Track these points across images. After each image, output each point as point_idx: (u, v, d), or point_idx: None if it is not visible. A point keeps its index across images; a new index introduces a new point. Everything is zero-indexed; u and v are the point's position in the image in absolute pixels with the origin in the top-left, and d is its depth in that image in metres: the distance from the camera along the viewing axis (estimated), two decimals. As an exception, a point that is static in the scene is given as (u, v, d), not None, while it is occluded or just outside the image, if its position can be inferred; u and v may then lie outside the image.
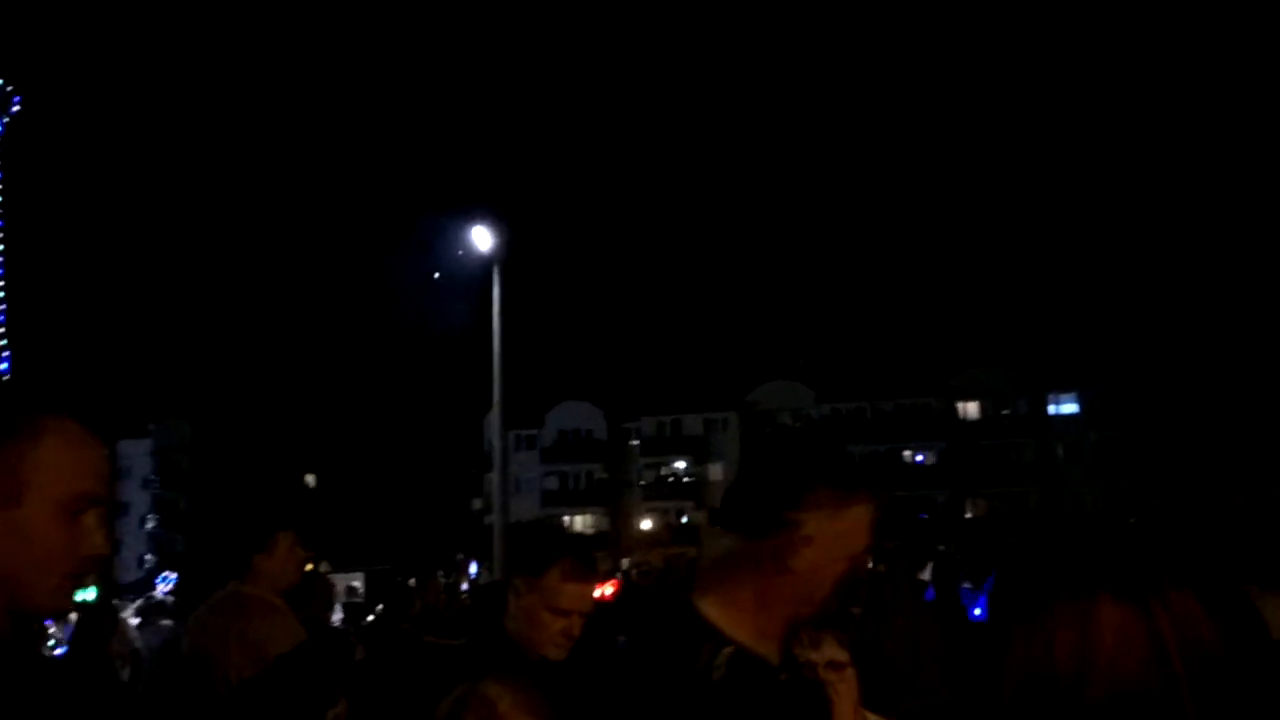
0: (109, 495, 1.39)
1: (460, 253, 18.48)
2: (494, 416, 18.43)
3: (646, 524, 57.04)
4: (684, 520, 57.80)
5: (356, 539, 49.00)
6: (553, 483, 59.78)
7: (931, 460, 56.00)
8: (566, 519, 57.04)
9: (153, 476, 63.95)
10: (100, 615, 7.19)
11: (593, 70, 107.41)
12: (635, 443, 59.68)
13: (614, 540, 54.88)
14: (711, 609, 1.87)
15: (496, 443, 18.89)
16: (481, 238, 18.20)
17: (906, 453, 56.30)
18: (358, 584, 18.02)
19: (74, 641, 5.61)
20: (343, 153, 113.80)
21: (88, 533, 1.33)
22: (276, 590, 3.96)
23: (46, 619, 1.37)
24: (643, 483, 59.29)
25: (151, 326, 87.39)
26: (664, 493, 58.86)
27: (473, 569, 23.48)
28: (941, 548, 13.67)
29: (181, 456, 63.90)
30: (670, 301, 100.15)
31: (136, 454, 63.54)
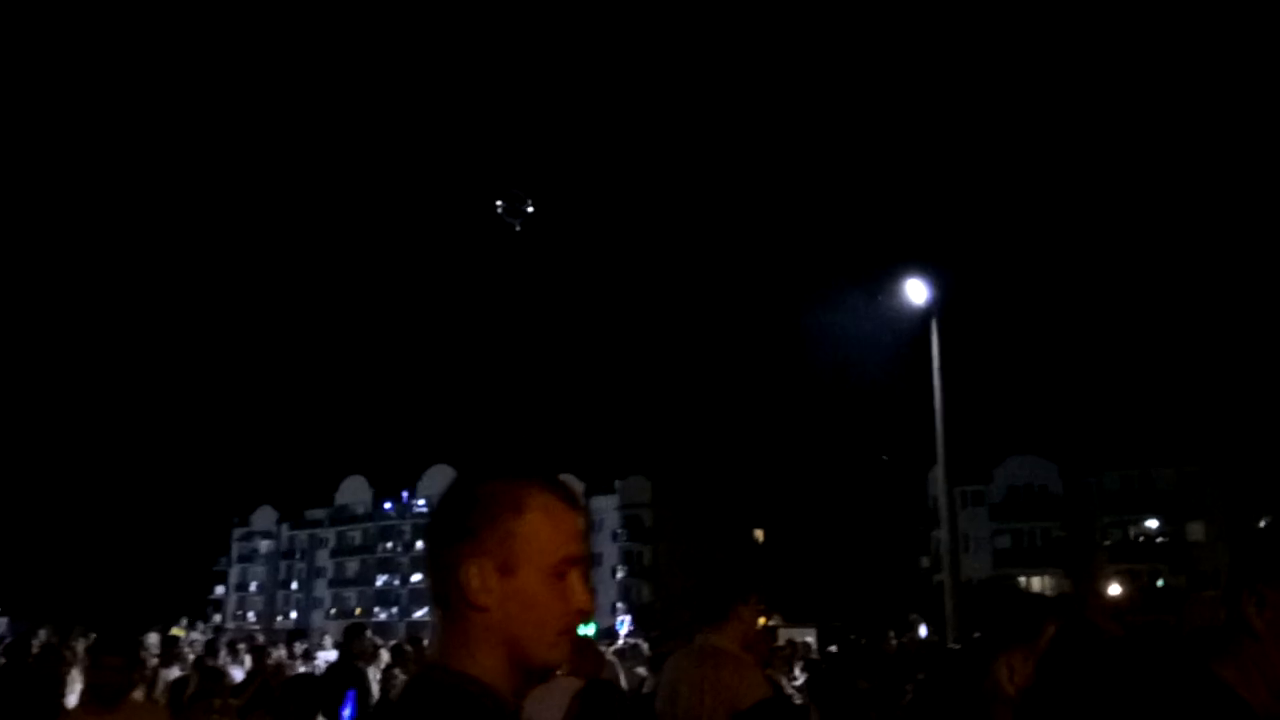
0: (587, 553, 1.56)
1: (895, 307, 18.40)
2: (938, 472, 17.94)
3: (1114, 588, 52.19)
4: (1159, 584, 52.19)
5: (807, 593, 49.69)
6: (1004, 541, 56.72)
7: None
8: (1022, 580, 53.76)
9: (620, 530, 69.22)
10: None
11: (1024, 116, 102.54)
12: (1096, 499, 55.06)
13: (1077, 605, 50.72)
14: (1229, 673, 1.81)
15: (942, 499, 18.31)
16: (916, 290, 18.00)
17: None
18: (810, 640, 18.20)
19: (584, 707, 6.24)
20: (778, 214, 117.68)
21: (573, 591, 1.50)
22: (743, 644, 4.19)
23: (547, 672, 1.55)
24: (1107, 542, 54.40)
25: (616, 391, 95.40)
26: (1133, 554, 53.59)
27: (922, 631, 22.76)
28: None
29: (644, 511, 68.63)
30: (1132, 342, 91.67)
31: (606, 509, 69.40)
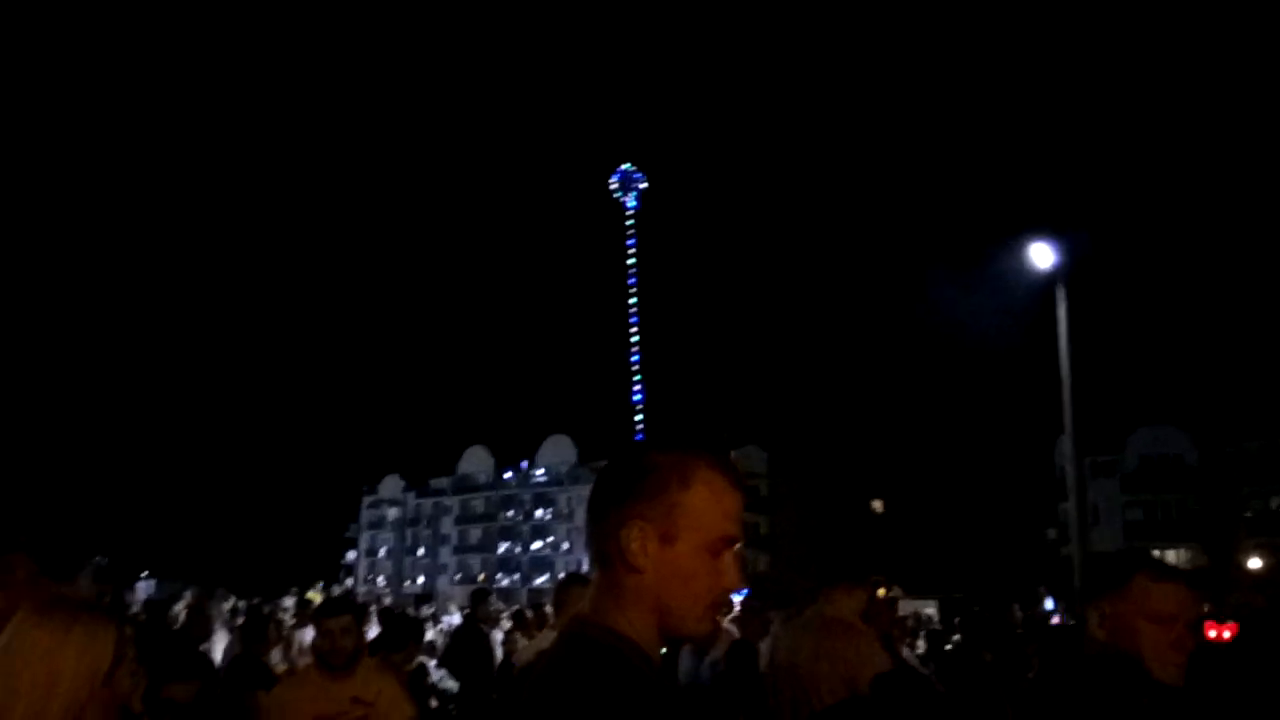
0: (743, 535, 1.59)
1: (1020, 271, 17.85)
2: (1066, 441, 17.40)
3: (1254, 562, 49.87)
4: (1303, 558, 49.67)
5: (928, 565, 48.89)
6: (1136, 513, 54.75)
7: None
8: (1155, 554, 51.83)
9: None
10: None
11: (1156, 72, 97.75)
12: (1234, 469, 52.60)
13: (1215, 580, 48.70)
14: None
15: (1070, 469, 17.77)
16: (1041, 255, 17.42)
17: None
18: (932, 612, 17.93)
19: (729, 663, 6.31)
20: (900, 179, 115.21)
21: (726, 569, 1.55)
22: (861, 615, 4.16)
23: (692, 641, 1.58)
24: (1247, 514, 51.95)
25: (731, 361, 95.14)
26: (1274, 526, 51.04)
27: (1048, 603, 22.18)
28: None
29: (760, 481, 68.31)
30: (1268, 306, 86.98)
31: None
